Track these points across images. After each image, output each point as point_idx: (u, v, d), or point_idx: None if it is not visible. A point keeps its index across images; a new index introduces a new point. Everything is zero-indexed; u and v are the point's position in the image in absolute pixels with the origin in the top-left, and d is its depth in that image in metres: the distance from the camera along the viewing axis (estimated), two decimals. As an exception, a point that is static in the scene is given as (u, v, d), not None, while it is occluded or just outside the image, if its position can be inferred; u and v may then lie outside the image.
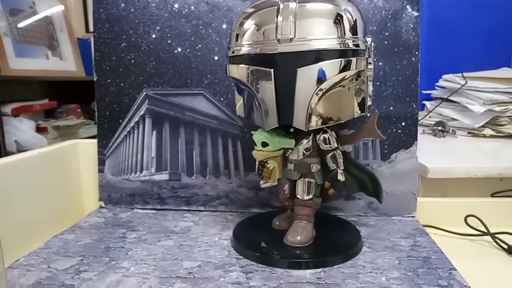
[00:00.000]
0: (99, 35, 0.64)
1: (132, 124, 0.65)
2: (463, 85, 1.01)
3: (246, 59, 0.45)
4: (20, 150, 1.31)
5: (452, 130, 0.99)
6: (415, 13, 0.58)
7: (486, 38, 1.30)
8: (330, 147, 0.48)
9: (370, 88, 0.47)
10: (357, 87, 0.45)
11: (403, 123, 0.59)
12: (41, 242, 0.53)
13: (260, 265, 0.45)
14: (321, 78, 0.42)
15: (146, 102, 0.64)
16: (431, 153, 0.58)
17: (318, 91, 0.42)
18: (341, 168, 0.48)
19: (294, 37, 0.42)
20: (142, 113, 0.64)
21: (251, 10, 0.46)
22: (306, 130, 0.44)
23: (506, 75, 0.96)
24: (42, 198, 0.58)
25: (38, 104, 1.57)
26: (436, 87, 1.16)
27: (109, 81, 0.65)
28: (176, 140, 0.64)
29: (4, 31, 1.44)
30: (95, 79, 0.65)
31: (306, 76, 0.42)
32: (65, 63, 1.81)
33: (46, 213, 0.59)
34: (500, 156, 0.75)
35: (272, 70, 0.43)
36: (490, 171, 0.65)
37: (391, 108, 0.59)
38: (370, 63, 0.46)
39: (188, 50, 0.63)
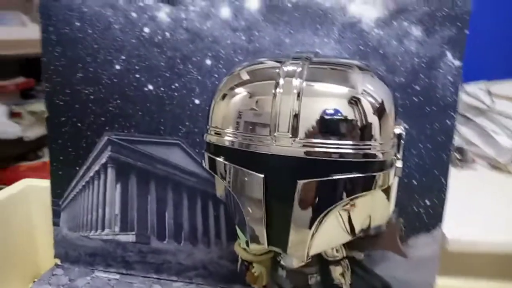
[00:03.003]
0: (49, 60, 0.50)
1: (91, 173, 0.53)
2: (489, 107, 0.88)
3: (228, 152, 0.32)
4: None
5: (472, 159, 0.87)
6: (457, 63, 0.44)
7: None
8: (337, 256, 0.37)
9: (395, 190, 0.35)
10: (378, 195, 0.33)
11: (428, 201, 0.47)
12: None
13: None
14: (330, 198, 0.29)
15: (109, 148, 0.51)
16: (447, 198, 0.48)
17: (324, 215, 0.30)
18: (348, 283, 0.37)
19: (297, 137, 0.29)
20: (103, 161, 0.52)
21: (245, 77, 0.32)
22: (304, 263, 0.33)
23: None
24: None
25: (12, 83, 1.39)
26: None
27: (63, 119, 0.52)
28: (145, 196, 0.52)
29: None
30: (45, 115, 0.52)
31: (309, 192, 0.29)
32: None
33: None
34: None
35: (262, 176, 0.30)
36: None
37: (414, 182, 0.47)
38: (399, 158, 0.33)
39: (162, 88, 0.49)
